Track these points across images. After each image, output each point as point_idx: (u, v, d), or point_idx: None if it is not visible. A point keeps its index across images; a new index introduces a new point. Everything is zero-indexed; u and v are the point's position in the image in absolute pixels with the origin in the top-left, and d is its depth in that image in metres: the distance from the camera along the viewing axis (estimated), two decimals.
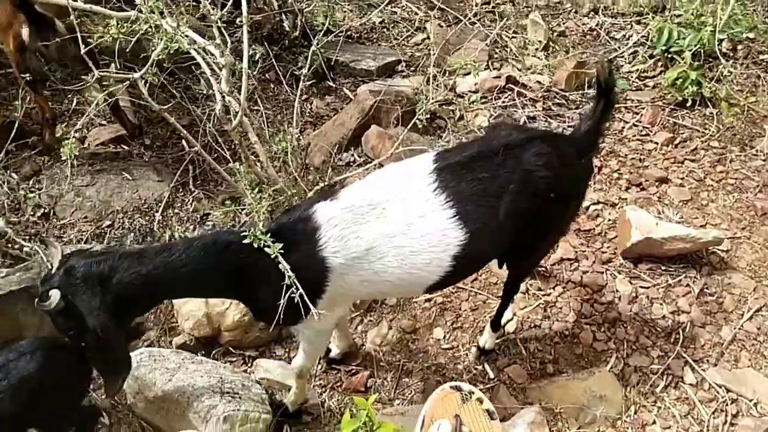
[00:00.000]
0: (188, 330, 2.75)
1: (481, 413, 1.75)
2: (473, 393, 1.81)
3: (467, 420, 1.71)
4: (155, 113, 3.79)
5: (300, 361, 2.43)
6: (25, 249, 3.02)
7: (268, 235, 1.96)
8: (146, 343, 2.76)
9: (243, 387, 2.52)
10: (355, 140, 3.56)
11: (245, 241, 1.96)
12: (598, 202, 3.35)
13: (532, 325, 2.85)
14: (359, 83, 4.00)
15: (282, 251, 1.93)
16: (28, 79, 2.89)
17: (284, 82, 3.89)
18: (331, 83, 4.02)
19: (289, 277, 1.91)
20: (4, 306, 2.56)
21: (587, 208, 3.31)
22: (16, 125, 2.98)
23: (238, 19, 3.64)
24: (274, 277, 1.96)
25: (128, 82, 2.37)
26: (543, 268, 3.03)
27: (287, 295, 1.94)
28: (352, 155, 3.54)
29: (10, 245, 3.01)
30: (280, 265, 1.92)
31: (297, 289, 1.91)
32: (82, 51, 2.19)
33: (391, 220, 2.00)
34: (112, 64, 2.29)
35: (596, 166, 3.52)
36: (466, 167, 2.04)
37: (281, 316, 2.20)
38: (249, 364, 2.77)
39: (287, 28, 4.01)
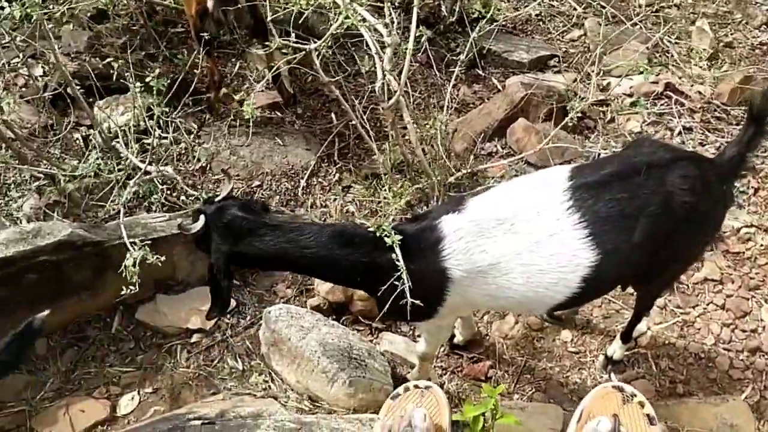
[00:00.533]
0: (323, 293, 2.87)
1: (641, 417, 1.73)
2: (635, 396, 1.78)
3: (625, 421, 1.69)
4: (309, 84, 3.96)
5: (421, 347, 2.48)
6: (182, 198, 3.27)
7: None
8: (283, 300, 2.91)
9: (369, 356, 2.61)
10: (500, 131, 3.55)
11: (370, 236, 2.02)
12: (751, 225, 3.16)
13: (666, 342, 2.75)
14: (509, 74, 3.98)
15: (404, 255, 1.97)
16: (207, 37, 3.07)
17: (434, 66, 3.93)
18: (480, 72, 4.01)
19: (400, 270, 1.94)
20: (164, 248, 2.78)
21: (738, 230, 3.14)
22: (194, 82, 3.20)
23: (397, 1, 3.74)
24: (393, 275, 2.00)
25: (303, 52, 2.48)
26: (684, 286, 2.91)
27: (404, 294, 1.98)
28: (496, 146, 3.53)
29: (169, 192, 3.26)
30: (393, 255, 1.96)
31: (408, 286, 1.94)
32: (268, 18, 2.32)
33: (520, 236, 1.96)
34: (292, 35, 2.39)
35: (753, 188, 3.33)
36: (603, 186, 1.96)
37: (402, 314, 2.29)
38: (375, 336, 2.86)
39: (444, 13, 4.03)
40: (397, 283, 1.99)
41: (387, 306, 2.05)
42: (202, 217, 2.08)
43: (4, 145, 3.17)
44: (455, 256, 2.00)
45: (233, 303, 2.92)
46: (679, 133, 3.59)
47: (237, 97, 3.83)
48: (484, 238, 1.98)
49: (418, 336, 2.69)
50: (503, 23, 4.26)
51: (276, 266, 2.32)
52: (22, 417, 2.55)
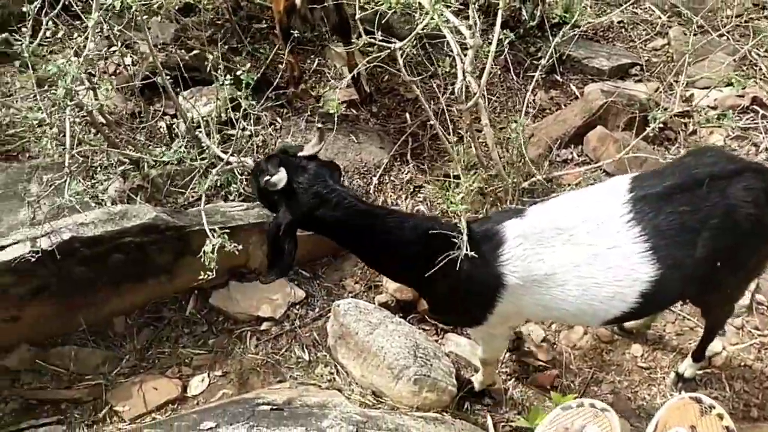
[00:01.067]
0: (392, 291, 2.89)
1: (720, 429, 1.69)
2: (714, 407, 1.74)
3: None
4: (385, 84, 3.99)
5: (480, 353, 2.48)
6: None
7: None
8: (352, 295, 2.95)
9: (434, 356, 2.63)
10: (577, 138, 3.50)
11: (441, 231, 2.01)
12: None
13: (742, 363, 2.66)
14: (588, 81, 3.92)
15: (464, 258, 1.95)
16: (295, 35, 3.14)
17: (512, 70, 3.91)
18: (558, 77, 3.97)
19: (466, 254, 1.93)
20: (241, 237, 2.85)
21: None
22: (278, 77, 3.27)
23: (477, 3, 3.72)
24: (453, 275, 2.00)
25: (387, 51, 2.51)
26: (763, 307, 2.81)
27: (458, 294, 2.01)
28: (571, 153, 3.49)
29: (248, 182, 3.34)
30: (458, 238, 1.95)
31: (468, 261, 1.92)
32: (357, 16, 2.36)
33: (579, 248, 1.94)
34: (379, 33, 2.42)
35: None
36: (664, 198, 1.92)
37: (453, 315, 2.31)
38: (440, 336, 2.86)
39: (524, 17, 4.00)
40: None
41: (442, 307, 2.11)
42: (283, 172, 1.96)
43: (93, 130, 3.34)
44: (513, 262, 1.99)
45: (302, 294, 2.98)
46: (765, 149, 3.46)
47: (314, 93, 3.90)
48: (542, 246, 1.97)
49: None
50: (584, 29, 4.20)
51: (342, 240, 2.18)
52: (99, 390, 2.67)
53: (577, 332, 2.81)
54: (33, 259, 2.40)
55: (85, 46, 2.63)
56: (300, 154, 2.07)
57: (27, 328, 2.67)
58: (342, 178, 2.14)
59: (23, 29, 2.61)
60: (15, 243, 2.50)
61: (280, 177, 1.96)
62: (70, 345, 2.76)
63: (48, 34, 2.74)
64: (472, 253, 1.96)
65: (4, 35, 2.66)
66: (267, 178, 1.96)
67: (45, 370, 2.69)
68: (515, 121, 2.95)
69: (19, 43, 2.58)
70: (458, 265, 1.96)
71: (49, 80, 2.86)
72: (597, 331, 2.80)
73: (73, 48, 2.82)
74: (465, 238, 1.97)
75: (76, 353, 2.74)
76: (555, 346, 2.79)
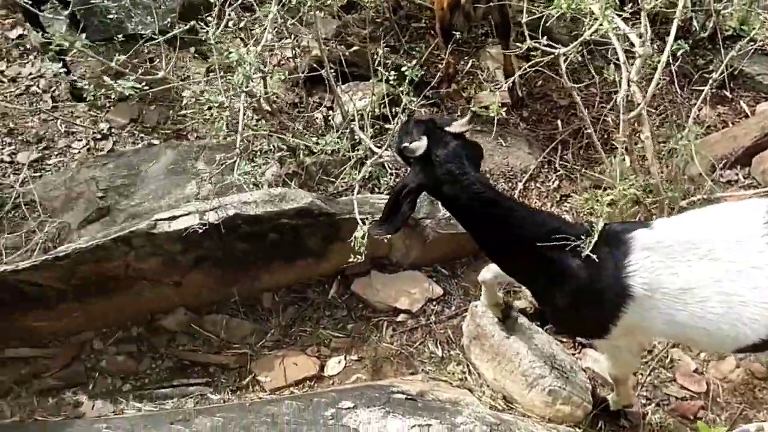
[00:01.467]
0: (530, 297, 2.85)
1: None
2: None
3: None
4: (538, 89, 3.94)
5: (609, 369, 2.39)
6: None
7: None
8: None
9: (571, 369, 2.57)
10: (745, 159, 3.29)
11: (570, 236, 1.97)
12: None
13: None
14: (761, 99, 3.66)
15: (587, 261, 1.94)
16: (456, 36, 3.17)
17: (676, 83, 3.71)
18: (727, 93, 3.73)
19: (588, 255, 1.91)
20: None
21: None
22: (437, 76, 3.32)
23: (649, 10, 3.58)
24: (572, 282, 1.96)
25: (551, 56, 2.48)
26: None
27: (579, 304, 1.96)
28: (737, 174, 3.28)
29: (396, 177, 3.42)
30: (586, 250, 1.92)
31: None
32: (524, 20, 2.34)
33: (719, 264, 1.84)
34: (544, 38, 2.40)
35: None
36: None
37: (573, 325, 2.26)
38: (577, 350, 2.79)
39: (695, 28, 3.80)
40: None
41: (559, 315, 2.10)
42: (424, 140, 2.01)
43: (256, 116, 3.55)
44: (641, 273, 1.92)
45: (440, 291, 3.01)
46: None
47: (465, 94, 3.91)
48: (675, 260, 1.90)
49: None
50: (761, 44, 3.91)
51: (467, 224, 2.13)
52: (245, 359, 2.85)
53: (728, 364, 2.64)
54: (200, 231, 2.60)
55: (262, 37, 2.81)
56: (447, 128, 2.08)
57: (187, 295, 2.90)
58: (482, 161, 2.12)
59: (209, 18, 2.83)
60: (186, 214, 2.71)
61: (420, 145, 2.01)
62: (223, 314, 2.96)
63: (230, 24, 2.94)
64: (594, 257, 1.93)
65: (191, 23, 2.88)
66: (407, 144, 2.02)
67: (198, 335, 2.91)
68: (678, 135, 2.79)
69: (205, 31, 2.79)
70: (582, 271, 1.94)
71: (220, 66, 3.08)
72: (751, 366, 2.61)
73: (248, 38, 3.02)
74: (594, 239, 1.94)
75: (227, 322, 2.93)
76: (703, 374, 2.64)
